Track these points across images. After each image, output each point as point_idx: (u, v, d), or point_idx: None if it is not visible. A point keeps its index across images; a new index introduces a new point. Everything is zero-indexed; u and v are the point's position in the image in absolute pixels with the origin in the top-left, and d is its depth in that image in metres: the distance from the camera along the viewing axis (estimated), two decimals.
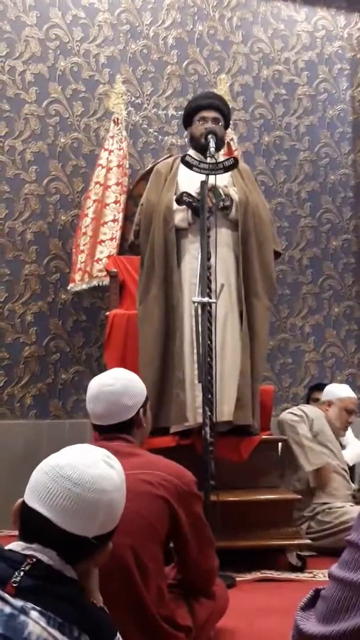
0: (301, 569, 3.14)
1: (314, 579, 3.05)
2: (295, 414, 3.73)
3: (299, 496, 3.40)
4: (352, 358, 5.10)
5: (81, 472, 1.32)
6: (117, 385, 1.99)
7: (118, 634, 1.28)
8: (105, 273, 4.25)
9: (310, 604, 1.15)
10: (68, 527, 1.28)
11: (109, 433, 1.98)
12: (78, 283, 4.36)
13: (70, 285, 4.40)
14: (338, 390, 3.97)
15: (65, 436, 4.33)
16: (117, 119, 4.57)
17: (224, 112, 3.64)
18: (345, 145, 5.23)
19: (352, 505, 3.55)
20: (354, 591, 1.03)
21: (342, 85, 5.27)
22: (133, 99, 4.85)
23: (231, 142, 4.65)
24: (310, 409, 3.87)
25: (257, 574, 3.08)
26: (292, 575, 3.09)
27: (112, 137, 4.51)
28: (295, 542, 3.20)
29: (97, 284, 4.34)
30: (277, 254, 3.71)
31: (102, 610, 1.33)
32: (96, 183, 4.42)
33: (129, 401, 1.98)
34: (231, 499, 3.14)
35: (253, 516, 3.20)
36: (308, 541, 3.26)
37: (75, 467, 1.32)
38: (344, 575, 1.05)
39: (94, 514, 1.30)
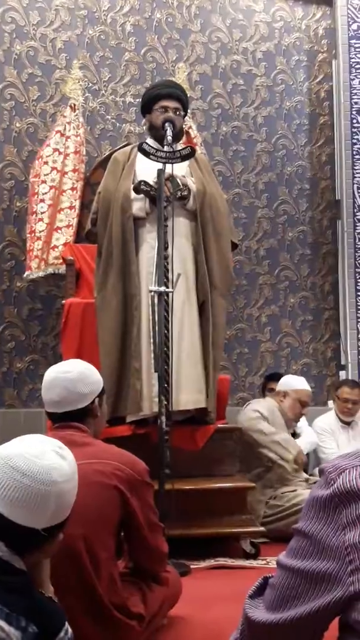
0: (255, 556, 3.18)
1: (267, 565, 3.08)
2: (252, 417, 3.74)
3: (253, 484, 3.43)
4: (307, 348, 5.16)
5: (31, 463, 1.30)
6: (74, 372, 1.99)
7: (67, 624, 1.28)
8: (61, 260, 4.22)
9: (258, 592, 1.16)
10: (16, 519, 1.27)
11: (62, 421, 1.97)
12: (34, 270, 4.31)
13: (27, 272, 4.35)
14: (294, 382, 3.99)
15: (20, 425, 4.29)
16: (74, 105, 4.52)
17: (184, 102, 3.62)
18: (302, 137, 5.27)
19: (304, 489, 3.60)
20: (301, 579, 1.05)
21: (299, 77, 5.30)
22: (90, 85, 4.80)
23: (190, 130, 4.65)
24: (262, 405, 3.88)
25: (211, 562, 3.11)
26: (246, 563, 3.12)
27: (69, 122, 4.46)
28: (249, 529, 3.23)
29: (53, 272, 4.30)
30: (234, 245, 3.73)
31: (51, 600, 1.32)
32: (53, 169, 4.36)
33: (85, 389, 1.98)
34: (186, 487, 3.15)
35: (208, 504, 3.22)
36: (261, 528, 3.30)
37: (24, 458, 1.31)
38: (292, 564, 1.06)
39: (43, 505, 1.29)
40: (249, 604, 1.14)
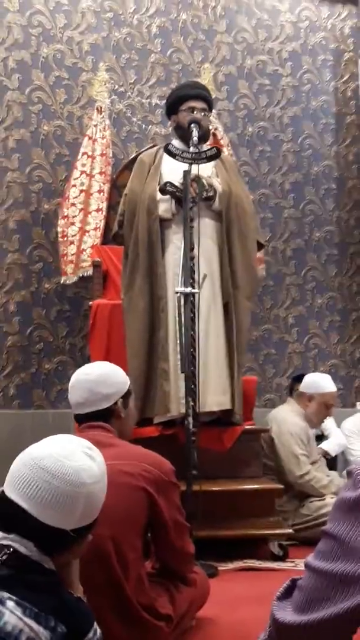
0: (283, 558, 3.16)
1: (295, 568, 3.07)
2: (292, 435, 3.65)
3: (281, 486, 3.42)
4: (334, 349, 5.12)
5: (60, 464, 1.31)
6: (95, 373, 2.03)
7: (95, 624, 1.29)
8: (89, 263, 4.24)
9: (286, 594, 1.16)
10: (45, 520, 1.27)
11: (87, 422, 1.99)
12: (70, 275, 4.33)
13: (63, 278, 4.37)
14: (320, 384, 3.84)
15: (49, 426, 4.32)
16: (101, 107, 4.54)
17: (210, 103, 3.63)
18: (328, 137, 5.24)
19: (332, 497, 3.57)
20: (329, 581, 1.04)
21: (325, 76, 5.27)
22: (116, 87, 4.82)
23: (217, 132, 4.64)
24: (292, 426, 3.71)
25: (239, 564, 3.10)
26: (274, 565, 3.11)
27: (96, 125, 4.48)
28: (277, 531, 3.22)
29: (82, 275, 4.32)
30: (260, 245, 3.72)
31: (80, 600, 1.33)
32: (82, 172, 4.39)
33: (106, 390, 2.00)
34: (213, 488, 3.15)
35: (235, 506, 3.21)
36: (290, 530, 3.28)
37: (54, 459, 1.31)
38: (320, 566, 1.05)
39: (72, 506, 1.29)
40: (276, 605, 1.14)
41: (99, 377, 2.01)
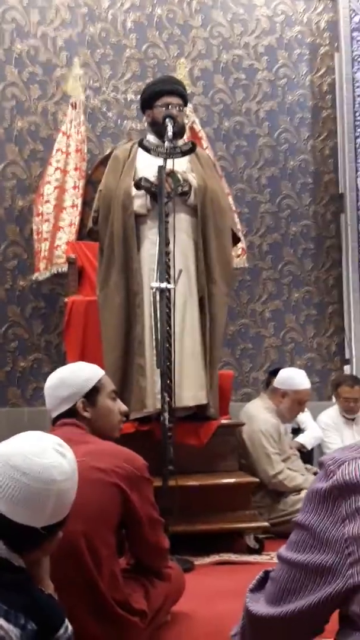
0: (259, 552, 3.18)
1: (271, 561, 3.08)
2: (262, 434, 3.65)
3: (257, 479, 3.43)
4: (311, 343, 5.15)
5: (30, 462, 1.30)
6: (54, 378, 2.06)
7: (67, 621, 1.29)
8: (64, 259, 4.22)
9: (259, 586, 1.16)
10: (15, 517, 1.27)
11: (59, 420, 2.00)
12: (42, 272, 4.32)
13: (35, 274, 4.37)
14: (295, 381, 3.81)
15: (24, 424, 4.28)
16: (75, 103, 4.52)
17: (185, 99, 3.63)
18: (304, 130, 5.25)
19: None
20: (301, 572, 1.05)
21: (301, 70, 5.28)
22: (91, 82, 4.79)
23: (194, 125, 4.64)
24: (263, 423, 3.70)
25: (215, 557, 3.11)
26: (250, 558, 3.12)
27: (70, 121, 4.46)
28: (253, 524, 3.24)
29: (56, 271, 4.30)
30: (236, 239, 3.72)
31: (50, 597, 1.33)
32: (56, 169, 4.37)
33: (64, 392, 2.02)
34: (190, 483, 3.15)
35: (211, 500, 3.22)
36: (266, 523, 3.30)
37: (24, 456, 1.31)
38: (292, 557, 1.06)
39: (43, 504, 1.29)
40: (249, 597, 1.14)
41: (58, 382, 2.04)
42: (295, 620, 1.05)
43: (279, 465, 3.63)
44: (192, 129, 4.57)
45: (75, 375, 2.05)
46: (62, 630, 1.28)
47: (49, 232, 4.29)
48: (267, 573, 1.16)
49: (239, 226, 4.38)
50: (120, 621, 1.82)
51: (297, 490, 3.60)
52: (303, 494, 3.51)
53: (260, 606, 1.10)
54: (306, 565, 1.04)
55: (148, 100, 3.58)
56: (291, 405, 3.80)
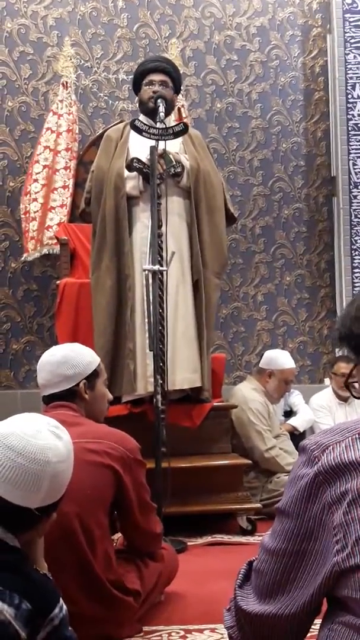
0: (251, 532, 3.20)
1: None
2: (252, 412, 3.69)
3: (250, 461, 3.45)
4: (303, 326, 5.16)
5: (26, 442, 1.30)
6: (58, 355, 2.03)
7: (61, 601, 1.28)
8: (55, 241, 4.20)
9: (246, 579, 1.13)
10: (9, 498, 1.27)
11: (52, 402, 1.98)
12: (31, 252, 4.30)
13: (24, 255, 4.34)
14: (281, 361, 3.92)
15: (17, 406, 4.28)
16: (66, 83, 4.47)
17: (173, 75, 3.57)
18: (297, 113, 5.22)
19: None
20: (288, 563, 1.02)
21: (293, 52, 5.24)
22: (82, 62, 4.74)
23: (182, 109, 4.60)
24: (252, 402, 3.72)
25: (208, 538, 3.13)
26: (243, 539, 3.14)
27: (62, 101, 4.42)
28: (246, 506, 3.25)
29: (47, 252, 4.28)
30: (232, 220, 3.71)
31: (45, 577, 1.32)
32: (45, 148, 4.33)
33: (68, 371, 2.00)
34: (183, 465, 3.16)
35: (204, 482, 3.23)
36: (258, 505, 3.32)
37: (20, 437, 1.31)
38: (278, 547, 1.03)
39: (37, 485, 1.29)
40: (239, 594, 1.10)
41: (62, 359, 2.01)
42: (292, 614, 1.02)
43: (270, 441, 3.66)
44: (179, 110, 4.52)
45: (80, 355, 2.04)
46: (56, 610, 1.28)
47: (37, 212, 4.26)
48: (250, 564, 1.13)
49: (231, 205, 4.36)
50: (113, 601, 1.84)
51: (289, 470, 3.61)
52: None
53: (253, 603, 1.07)
54: (294, 555, 1.01)
55: (136, 83, 3.58)
56: (278, 385, 3.88)
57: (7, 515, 1.28)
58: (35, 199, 4.27)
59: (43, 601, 1.24)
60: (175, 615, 2.15)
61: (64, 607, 1.31)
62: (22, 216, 4.35)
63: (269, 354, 4.03)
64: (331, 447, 1.01)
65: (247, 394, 3.77)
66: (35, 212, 4.27)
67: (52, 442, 1.34)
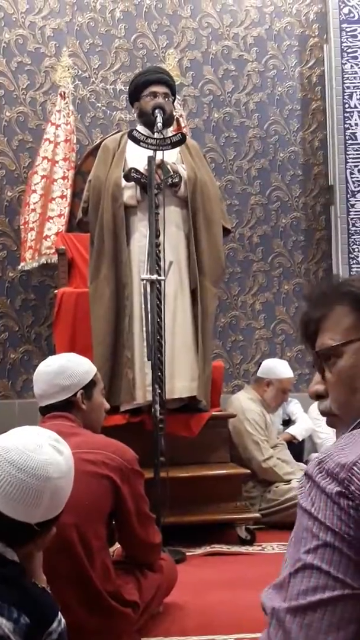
0: (250, 543, 3.19)
1: (263, 552, 3.10)
2: (250, 422, 3.68)
3: (248, 470, 3.44)
4: None
5: (27, 457, 1.29)
6: (54, 365, 2.02)
7: (60, 614, 1.28)
8: (53, 250, 4.20)
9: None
10: (9, 513, 1.26)
11: (49, 413, 1.97)
12: (28, 262, 4.30)
13: (21, 264, 4.34)
14: (278, 370, 3.91)
15: (14, 416, 4.28)
16: (64, 93, 4.49)
17: (172, 88, 3.60)
18: (294, 122, 5.24)
19: (297, 481, 3.60)
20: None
21: (291, 62, 5.26)
22: (80, 72, 4.76)
23: (180, 119, 4.62)
24: (249, 413, 3.70)
25: (207, 549, 3.12)
26: (242, 549, 3.13)
27: (59, 111, 4.43)
28: (244, 515, 3.24)
29: (45, 262, 4.28)
30: (227, 231, 3.71)
31: (44, 590, 1.32)
32: (44, 158, 4.34)
33: (65, 381, 1.99)
34: (181, 475, 3.16)
35: (203, 491, 3.22)
36: (257, 514, 3.31)
37: (20, 452, 1.30)
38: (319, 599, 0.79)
39: (38, 501, 1.28)
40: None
41: (58, 369, 2.00)
42: None
43: (267, 451, 3.65)
44: (177, 120, 4.54)
45: (77, 366, 2.03)
46: (55, 624, 1.27)
47: (36, 222, 4.26)
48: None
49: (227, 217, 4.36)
50: (112, 612, 1.83)
51: (287, 480, 3.61)
52: (293, 483, 3.53)
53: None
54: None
55: (135, 93, 3.57)
56: (276, 394, 3.87)
57: (6, 530, 1.27)
58: (33, 210, 4.28)
59: (42, 615, 1.24)
60: (175, 626, 2.14)
61: (63, 620, 1.30)
62: (22, 227, 4.36)
63: (267, 363, 4.02)
64: (357, 465, 0.83)
65: (244, 404, 3.76)
66: (33, 222, 4.27)
67: (53, 458, 1.33)
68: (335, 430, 1.06)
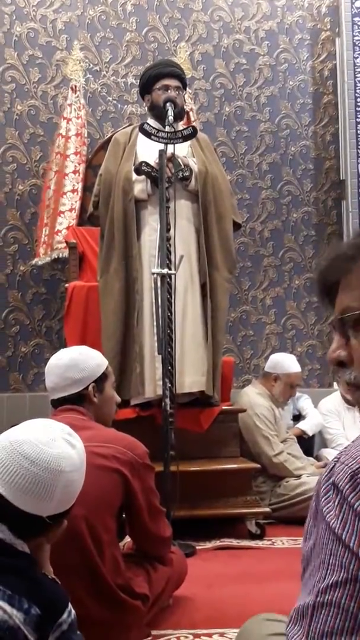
0: (260, 537, 3.19)
1: (272, 546, 3.10)
2: (259, 417, 3.68)
3: (258, 465, 3.44)
4: (312, 330, 5.14)
5: (39, 450, 1.29)
6: (66, 358, 2.02)
7: (70, 605, 1.28)
8: (64, 244, 4.20)
9: None
10: (21, 505, 1.26)
11: (61, 406, 1.98)
12: (42, 257, 4.31)
13: (35, 259, 4.35)
14: (287, 365, 3.90)
15: (25, 409, 4.30)
16: (75, 87, 4.48)
17: (184, 82, 3.59)
18: (305, 116, 5.22)
19: (307, 476, 3.60)
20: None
21: (302, 55, 5.24)
22: (91, 66, 4.75)
23: (190, 112, 4.60)
24: (258, 407, 3.71)
25: (217, 542, 3.12)
26: (251, 543, 3.13)
27: (70, 104, 4.43)
28: (254, 510, 3.24)
29: (57, 256, 4.29)
30: (237, 226, 3.70)
31: (54, 581, 1.32)
32: (57, 153, 4.34)
33: (77, 374, 1.99)
34: (191, 469, 3.16)
35: (213, 485, 3.22)
36: (267, 509, 3.31)
37: (33, 445, 1.29)
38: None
39: (50, 494, 1.28)
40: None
41: (70, 362, 2.00)
42: None
43: (277, 446, 3.65)
44: (187, 114, 4.52)
45: (89, 359, 2.03)
46: (65, 615, 1.27)
47: (49, 217, 4.27)
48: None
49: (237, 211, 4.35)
50: (122, 605, 1.83)
51: (297, 475, 3.60)
52: (304, 478, 3.53)
53: None
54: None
55: (146, 85, 3.55)
56: (284, 389, 3.87)
57: (17, 522, 1.27)
58: (48, 205, 4.29)
59: (52, 606, 1.24)
60: (184, 619, 2.14)
61: (73, 611, 1.30)
62: (38, 223, 4.37)
63: (275, 357, 4.01)
64: None
65: (252, 399, 3.76)
66: (47, 218, 4.28)
67: (66, 451, 1.33)
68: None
